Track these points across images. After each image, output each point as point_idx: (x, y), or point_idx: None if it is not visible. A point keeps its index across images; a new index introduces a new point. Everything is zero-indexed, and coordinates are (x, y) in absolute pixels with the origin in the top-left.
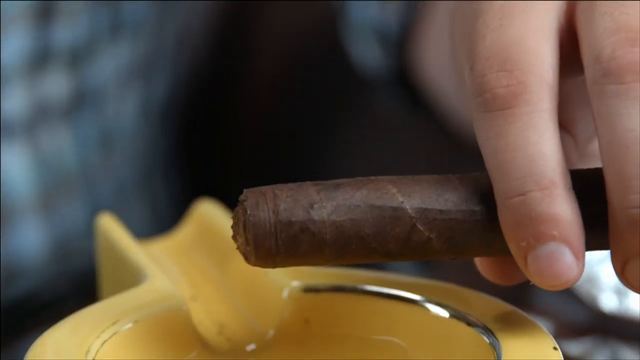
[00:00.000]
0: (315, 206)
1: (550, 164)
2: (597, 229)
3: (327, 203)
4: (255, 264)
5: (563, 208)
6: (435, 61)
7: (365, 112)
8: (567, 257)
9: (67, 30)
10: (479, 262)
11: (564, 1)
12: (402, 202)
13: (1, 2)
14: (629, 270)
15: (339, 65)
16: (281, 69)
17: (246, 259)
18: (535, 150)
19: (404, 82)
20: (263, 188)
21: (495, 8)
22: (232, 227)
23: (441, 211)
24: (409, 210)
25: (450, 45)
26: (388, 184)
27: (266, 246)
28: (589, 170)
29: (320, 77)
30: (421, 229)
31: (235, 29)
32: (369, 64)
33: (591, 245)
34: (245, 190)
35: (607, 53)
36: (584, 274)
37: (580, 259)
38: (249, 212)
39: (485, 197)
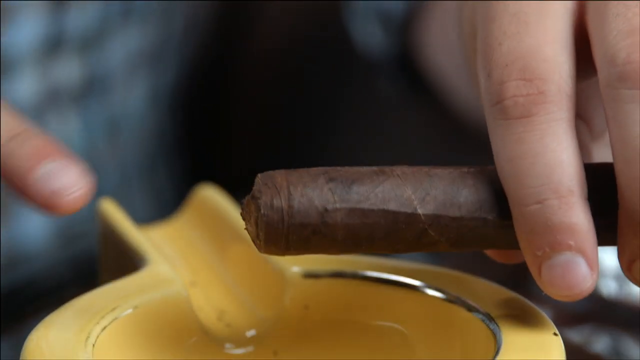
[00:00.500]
0: (329, 208)
1: (568, 172)
2: (605, 229)
3: (342, 205)
4: (263, 252)
5: (580, 218)
6: (439, 45)
7: (367, 95)
8: (582, 267)
9: (80, 16)
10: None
11: (574, 1)
12: (417, 207)
13: None
14: (635, 268)
15: (342, 49)
16: (283, 53)
17: (255, 245)
18: (553, 157)
19: (406, 65)
20: (278, 181)
21: (510, 12)
22: (241, 214)
23: (454, 218)
24: (422, 217)
25: (458, 33)
26: (403, 183)
27: (277, 244)
28: (600, 166)
29: (322, 61)
30: (432, 233)
31: (237, 13)
32: (371, 47)
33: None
34: (259, 180)
35: (622, 56)
36: None
37: (595, 270)
38: (262, 212)
39: (499, 201)
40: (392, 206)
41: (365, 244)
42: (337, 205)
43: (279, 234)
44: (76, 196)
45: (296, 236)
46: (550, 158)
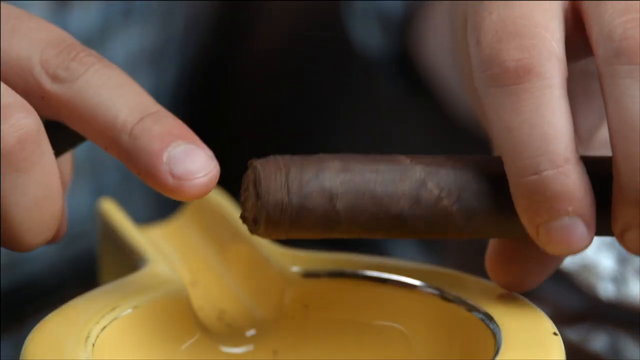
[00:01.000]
0: (332, 190)
1: (564, 141)
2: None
3: (344, 185)
4: (262, 236)
5: (577, 184)
6: (435, 45)
7: (366, 95)
8: (579, 229)
9: (82, 16)
10: (490, 268)
11: None
12: (410, 162)
13: None
14: (628, 236)
15: (341, 49)
16: (283, 53)
17: (251, 230)
18: (549, 128)
19: (405, 65)
20: (278, 163)
21: None
22: (241, 198)
23: (450, 169)
24: (418, 168)
25: (450, 26)
26: (406, 164)
27: (277, 226)
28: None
29: (322, 61)
30: (430, 185)
31: (237, 13)
32: (370, 47)
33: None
34: (256, 163)
35: (618, 32)
36: (582, 262)
37: (592, 228)
38: (263, 190)
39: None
40: (396, 184)
41: (370, 223)
42: (340, 185)
43: (279, 222)
44: (203, 181)
45: (297, 217)
46: (546, 129)
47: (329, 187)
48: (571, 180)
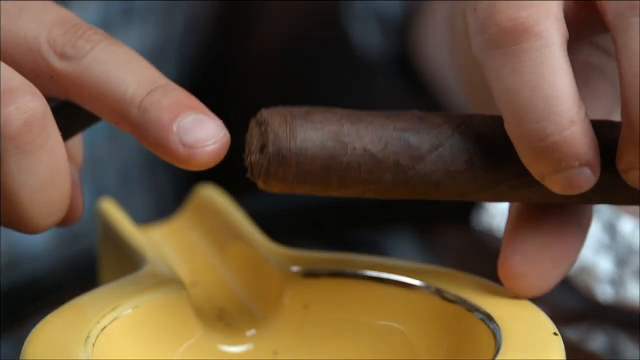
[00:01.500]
0: (341, 139)
1: (567, 101)
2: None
3: (353, 136)
4: (263, 188)
5: (584, 143)
6: (435, 45)
7: (367, 95)
8: (585, 175)
9: (81, 16)
10: (503, 273)
11: None
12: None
13: None
14: (630, 175)
15: (342, 49)
16: (283, 53)
17: (255, 178)
18: (552, 89)
19: (405, 65)
20: (286, 112)
21: None
22: (245, 149)
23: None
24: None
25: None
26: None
27: (285, 173)
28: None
29: (322, 61)
30: (447, 145)
31: (238, 13)
32: (370, 47)
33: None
34: (266, 119)
35: None
36: (580, 265)
37: (598, 172)
38: (270, 138)
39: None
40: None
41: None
42: (349, 135)
43: (285, 164)
44: (214, 149)
45: (303, 167)
46: (548, 90)
47: (334, 136)
48: (578, 142)
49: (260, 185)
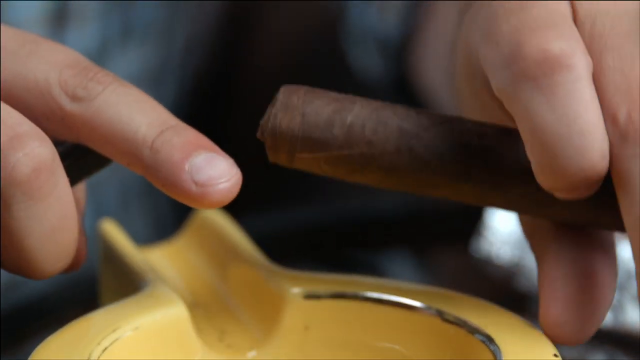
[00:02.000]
0: (349, 119)
1: (600, 136)
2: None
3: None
4: (272, 159)
5: (606, 169)
6: (434, 68)
7: None
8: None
9: (79, 37)
10: (546, 323)
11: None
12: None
13: (16, 7)
14: None
15: (340, 68)
16: (283, 72)
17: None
18: (587, 125)
19: (404, 88)
20: (298, 96)
21: (513, 2)
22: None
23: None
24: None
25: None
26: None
27: (289, 149)
28: None
29: (323, 80)
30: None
31: (238, 32)
32: (368, 70)
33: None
34: (280, 93)
35: (623, 116)
36: None
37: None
38: (278, 105)
39: None
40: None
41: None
42: (357, 101)
43: (293, 110)
44: (226, 186)
45: (309, 117)
46: (583, 125)
47: (342, 98)
48: (605, 172)
49: (268, 141)
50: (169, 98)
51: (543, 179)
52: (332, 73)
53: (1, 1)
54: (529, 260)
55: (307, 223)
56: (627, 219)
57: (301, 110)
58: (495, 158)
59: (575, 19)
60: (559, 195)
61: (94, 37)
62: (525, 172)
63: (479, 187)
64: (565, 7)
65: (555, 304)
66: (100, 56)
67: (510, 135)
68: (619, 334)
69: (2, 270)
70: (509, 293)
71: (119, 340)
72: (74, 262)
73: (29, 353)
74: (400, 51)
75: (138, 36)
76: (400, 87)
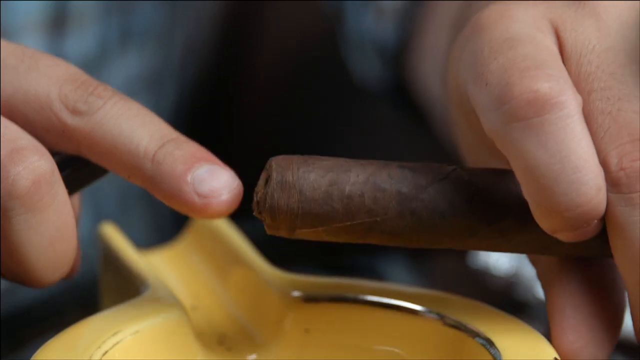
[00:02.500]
0: (347, 189)
1: (594, 170)
2: None
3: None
4: (270, 231)
5: (604, 203)
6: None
7: (369, 120)
8: (595, 225)
9: (78, 41)
10: (558, 344)
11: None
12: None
13: (15, 12)
14: None
15: (340, 73)
16: (283, 76)
17: (258, 214)
18: (580, 160)
19: (401, 92)
20: (291, 170)
21: (500, 38)
22: (255, 197)
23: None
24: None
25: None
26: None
27: (289, 224)
28: None
29: (324, 85)
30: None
31: (236, 37)
32: (366, 75)
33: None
34: (273, 165)
35: (613, 161)
36: None
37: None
38: (273, 193)
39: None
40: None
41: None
42: (352, 168)
43: (289, 189)
44: (228, 197)
45: (306, 193)
46: (576, 161)
47: (337, 167)
48: (602, 205)
49: (267, 220)
50: (168, 101)
51: (542, 219)
52: (331, 77)
53: (2, 4)
54: (527, 271)
55: None
56: (619, 262)
57: (298, 187)
58: (497, 210)
59: (561, 53)
60: (561, 237)
61: (93, 41)
62: (527, 219)
63: (483, 239)
64: (551, 41)
65: (567, 332)
66: (99, 60)
67: (507, 180)
68: (620, 337)
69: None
70: (507, 303)
71: (119, 344)
72: (71, 271)
73: (29, 356)
74: (398, 56)
75: (137, 40)
76: (398, 92)
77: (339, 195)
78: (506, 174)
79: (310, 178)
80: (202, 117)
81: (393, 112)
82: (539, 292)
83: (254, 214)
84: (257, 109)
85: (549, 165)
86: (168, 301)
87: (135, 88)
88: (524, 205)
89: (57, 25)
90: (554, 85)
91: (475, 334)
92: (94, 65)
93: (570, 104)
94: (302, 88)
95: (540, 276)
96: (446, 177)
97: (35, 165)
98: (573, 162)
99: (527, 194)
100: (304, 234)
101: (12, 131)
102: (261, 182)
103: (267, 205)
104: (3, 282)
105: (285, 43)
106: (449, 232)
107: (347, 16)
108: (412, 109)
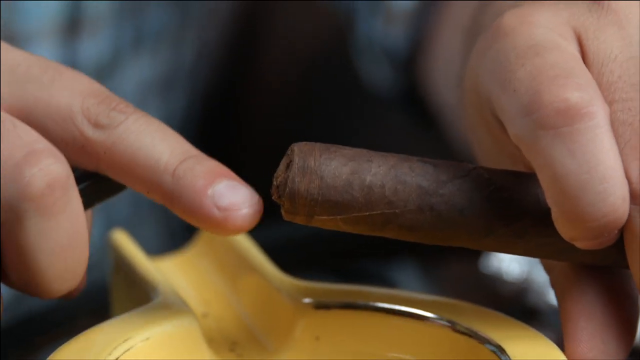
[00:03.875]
0: (366, 178)
1: (620, 180)
2: None
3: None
4: (287, 216)
5: (627, 213)
6: (443, 83)
7: (377, 126)
8: (615, 235)
9: (93, 46)
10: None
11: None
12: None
13: (29, 16)
14: None
15: (349, 76)
16: (292, 80)
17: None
18: (607, 170)
19: (413, 97)
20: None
21: (525, 44)
22: (274, 181)
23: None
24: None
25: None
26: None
27: (307, 211)
28: None
29: (330, 88)
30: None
31: (248, 41)
32: (377, 81)
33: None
34: (295, 151)
35: (635, 174)
36: None
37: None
38: (294, 178)
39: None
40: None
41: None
42: (373, 158)
43: (311, 174)
44: (248, 212)
45: (327, 180)
46: (604, 171)
47: (359, 157)
48: (626, 216)
49: (286, 205)
50: (179, 105)
51: (564, 227)
52: (340, 81)
53: (14, 11)
54: (538, 276)
55: (317, 233)
56: (635, 272)
57: (319, 173)
58: (516, 210)
59: (584, 60)
60: (580, 245)
61: (106, 44)
62: (545, 222)
63: (499, 240)
64: (574, 48)
65: (580, 342)
66: (112, 64)
67: (527, 182)
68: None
69: None
70: (519, 308)
71: (131, 351)
72: (78, 286)
73: None
74: (408, 61)
75: (150, 43)
76: (409, 98)
77: (360, 185)
78: (526, 177)
79: (331, 165)
80: (212, 119)
81: (402, 117)
82: (550, 297)
83: (272, 198)
84: (267, 112)
85: (576, 174)
86: (179, 308)
87: (147, 91)
88: (542, 209)
89: (70, 31)
90: (585, 95)
91: (486, 341)
92: (107, 70)
93: (600, 114)
94: (311, 91)
95: (554, 284)
96: (467, 174)
97: (51, 169)
98: (601, 172)
99: (552, 201)
100: (322, 221)
101: (30, 135)
102: (282, 166)
103: (287, 189)
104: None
105: (294, 46)
106: (466, 230)
107: (357, 21)
108: (421, 114)
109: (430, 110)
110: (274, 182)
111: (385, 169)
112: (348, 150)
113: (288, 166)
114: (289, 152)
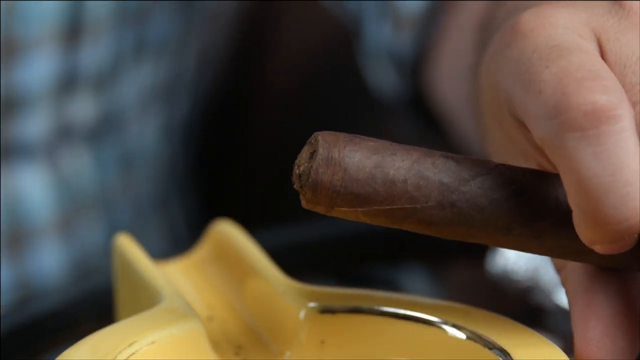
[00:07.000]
0: (388, 170)
1: None
2: None
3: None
4: (307, 204)
5: None
6: (450, 89)
7: (379, 127)
8: (634, 239)
9: (93, 52)
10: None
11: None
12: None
13: (29, 23)
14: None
15: (355, 82)
16: (297, 88)
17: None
18: (632, 174)
19: (420, 104)
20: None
21: (545, 45)
22: (296, 169)
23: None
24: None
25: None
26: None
27: (329, 202)
28: None
29: (336, 94)
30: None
31: (251, 48)
32: (384, 87)
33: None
34: (319, 141)
35: None
36: None
37: None
38: (318, 168)
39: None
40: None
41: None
42: (397, 152)
43: (334, 165)
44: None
45: (350, 172)
46: (628, 175)
47: (383, 150)
48: None
49: (307, 195)
50: (182, 112)
51: (585, 230)
52: (346, 87)
53: (14, 18)
54: (545, 275)
55: (322, 237)
56: None
57: (343, 165)
58: (536, 211)
59: (605, 62)
60: (599, 249)
61: (107, 51)
62: (564, 223)
63: (516, 239)
64: (594, 49)
65: (590, 343)
66: (113, 71)
67: (547, 182)
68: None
69: (14, 286)
70: (525, 308)
71: (135, 355)
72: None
73: None
74: (416, 68)
75: (152, 50)
76: (416, 105)
77: (383, 179)
78: (546, 177)
79: (355, 158)
80: (215, 126)
81: (408, 123)
82: (557, 297)
83: (294, 187)
84: (271, 118)
85: (601, 177)
86: (184, 312)
87: (148, 98)
88: (561, 210)
89: (71, 37)
90: (612, 97)
91: (491, 345)
92: (108, 76)
93: (626, 117)
94: (316, 97)
95: (565, 283)
96: (489, 172)
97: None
98: (625, 176)
99: (575, 204)
100: (342, 212)
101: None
102: (304, 155)
103: (310, 179)
104: (18, 292)
105: (300, 51)
106: (485, 228)
107: (364, 27)
108: (427, 120)
109: (436, 117)
110: (296, 171)
111: (409, 164)
112: (372, 142)
113: (311, 155)
114: (312, 140)
